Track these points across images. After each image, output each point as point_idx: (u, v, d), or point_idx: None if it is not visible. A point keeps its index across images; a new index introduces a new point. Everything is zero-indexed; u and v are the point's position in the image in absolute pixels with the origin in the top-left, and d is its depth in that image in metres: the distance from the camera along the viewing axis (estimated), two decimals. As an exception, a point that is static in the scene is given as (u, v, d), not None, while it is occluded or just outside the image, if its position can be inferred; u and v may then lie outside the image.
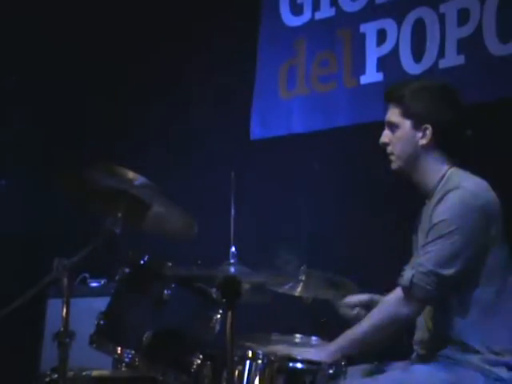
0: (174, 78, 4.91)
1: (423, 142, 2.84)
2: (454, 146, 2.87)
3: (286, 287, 3.11)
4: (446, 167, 2.85)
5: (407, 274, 2.69)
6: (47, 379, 3.12)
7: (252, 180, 4.18)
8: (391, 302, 2.74)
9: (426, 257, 2.68)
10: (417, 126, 2.84)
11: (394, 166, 2.91)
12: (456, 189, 2.71)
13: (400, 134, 2.87)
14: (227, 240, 2.67)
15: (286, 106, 4.61)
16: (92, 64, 5.11)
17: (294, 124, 4.57)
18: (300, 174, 4.36)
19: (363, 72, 4.35)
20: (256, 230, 4.16)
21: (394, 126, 2.88)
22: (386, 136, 2.92)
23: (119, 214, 2.91)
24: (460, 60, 4.00)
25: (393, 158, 2.90)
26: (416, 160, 2.86)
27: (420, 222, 2.93)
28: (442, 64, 4.06)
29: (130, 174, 2.87)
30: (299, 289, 3.14)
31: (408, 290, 2.67)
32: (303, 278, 3.13)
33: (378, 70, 4.30)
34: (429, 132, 2.83)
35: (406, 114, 2.85)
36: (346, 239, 4.15)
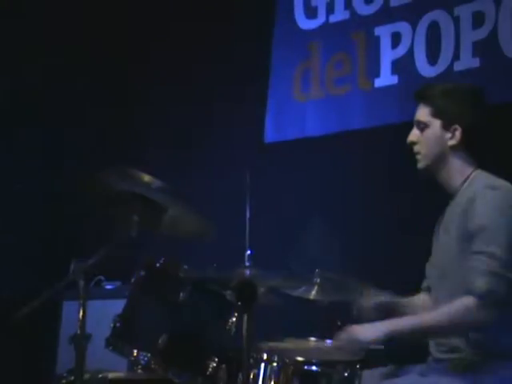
0: (190, 81, 4.91)
1: (452, 142, 2.84)
2: (480, 149, 2.88)
3: (301, 290, 3.11)
4: (470, 169, 2.86)
5: (478, 280, 2.62)
6: (63, 381, 3.15)
7: (267, 183, 4.17)
8: (463, 305, 2.64)
9: (489, 261, 2.64)
10: (446, 126, 2.84)
11: (420, 165, 2.89)
12: (493, 189, 2.72)
13: (429, 134, 2.86)
14: (243, 243, 2.67)
15: (300, 109, 4.61)
16: (107, 65, 5.12)
17: (308, 127, 4.57)
18: (314, 177, 4.36)
19: (378, 75, 4.34)
20: (271, 233, 4.15)
21: (423, 125, 2.87)
22: (414, 135, 2.90)
23: (135, 217, 2.91)
24: (475, 63, 4.00)
25: (420, 157, 2.89)
26: (443, 160, 2.86)
27: (443, 221, 2.92)
28: (457, 67, 4.06)
29: (146, 178, 2.87)
30: (314, 292, 3.14)
31: (483, 297, 2.61)
32: (318, 281, 3.12)
33: (392, 73, 4.29)
34: (458, 133, 2.83)
35: (436, 114, 2.85)
36: (361, 241, 4.14)
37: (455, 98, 2.87)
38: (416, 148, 2.89)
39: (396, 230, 4.06)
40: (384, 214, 4.10)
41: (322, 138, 4.49)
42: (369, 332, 2.69)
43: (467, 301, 2.62)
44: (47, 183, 4.81)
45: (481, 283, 2.61)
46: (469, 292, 2.62)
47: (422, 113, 2.88)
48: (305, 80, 4.62)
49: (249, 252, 2.64)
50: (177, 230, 3.08)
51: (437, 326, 2.68)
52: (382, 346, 2.86)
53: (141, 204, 2.92)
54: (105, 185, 2.94)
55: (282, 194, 4.41)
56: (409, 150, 2.92)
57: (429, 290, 3.00)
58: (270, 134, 4.70)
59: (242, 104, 4.73)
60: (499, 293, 2.60)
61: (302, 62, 4.64)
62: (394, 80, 4.29)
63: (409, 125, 2.96)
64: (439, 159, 2.86)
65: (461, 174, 2.85)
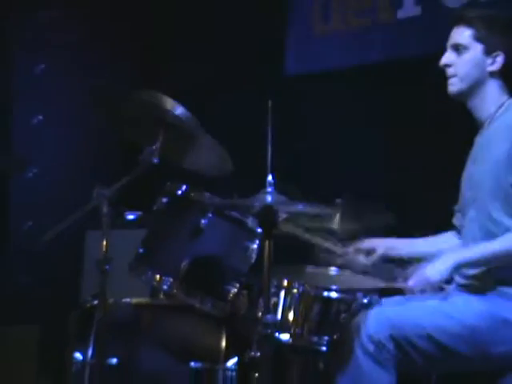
0: (213, 20, 4.85)
1: (492, 68, 2.80)
2: None
3: (323, 220, 3.10)
4: (505, 97, 2.84)
5: None
6: (88, 305, 3.19)
7: (287, 114, 4.14)
8: None
9: None
10: (489, 51, 2.80)
11: (454, 88, 2.84)
12: None
13: (469, 57, 2.81)
14: (264, 171, 2.65)
15: (320, 42, 4.55)
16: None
17: (328, 60, 4.51)
18: (334, 109, 4.32)
19: (400, 6, 4.25)
20: (292, 162, 4.14)
21: (462, 48, 2.82)
22: (448, 57, 2.84)
23: (157, 144, 2.90)
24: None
25: (455, 80, 2.83)
26: (479, 85, 2.82)
27: (472, 152, 2.90)
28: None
29: (169, 103, 2.85)
30: (335, 221, 3.14)
31: None
32: (339, 211, 3.11)
33: (416, 4, 4.19)
34: (500, 59, 2.79)
35: (479, 38, 2.80)
36: (384, 172, 4.11)
37: (500, 24, 2.82)
38: (450, 71, 2.83)
39: (418, 165, 4.02)
40: (405, 143, 4.06)
41: (342, 70, 4.43)
42: (437, 271, 2.67)
43: None
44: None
45: None
46: None
47: (462, 35, 2.82)
48: (325, 12, 4.54)
49: (270, 177, 2.61)
50: (198, 159, 3.07)
51: (503, 253, 2.68)
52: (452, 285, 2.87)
53: (163, 130, 2.91)
54: (126, 109, 2.91)
55: (301, 125, 4.38)
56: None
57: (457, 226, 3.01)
58: (291, 67, 4.64)
59: (262, 37, 4.67)
60: None
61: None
62: (418, 11, 4.19)
63: (430, 58, 2.91)
64: (476, 84, 2.82)
65: (496, 100, 2.82)
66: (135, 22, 5.03)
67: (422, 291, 2.72)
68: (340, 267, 3.06)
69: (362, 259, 3.06)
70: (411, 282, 2.71)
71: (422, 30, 4.14)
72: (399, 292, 2.83)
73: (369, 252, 3.06)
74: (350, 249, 3.07)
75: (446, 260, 2.70)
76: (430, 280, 2.68)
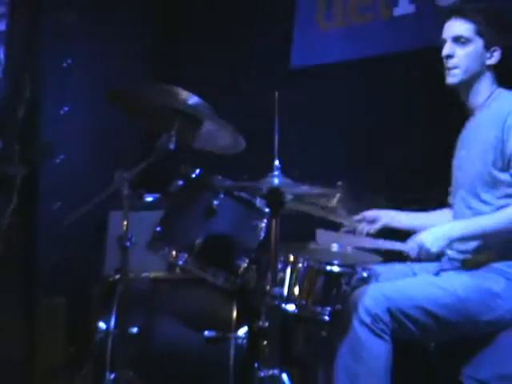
0: (231, 22, 4.83)
1: (490, 62, 2.80)
2: (506, 70, 2.84)
3: (324, 201, 3.08)
4: (495, 86, 2.83)
5: None
6: (110, 279, 3.19)
7: (293, 103, 4.11)
8: None
9: None
10: (488, 46, 2.79)
11: (455, 79, 2.82)
12: None
13: (471, 50, 2.79)
14: (271, 155, 2.64)
15: (324, 37, 4.49)
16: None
17: (331, 53, 4.46)
18: (336, 99, 4.28)
19: (396, 4, 4.20)
20: (297, 148, 4.12)
21: (465, 41, 2.79)
22: (451, 48, 2.81)
23: (173, 132, 2.88)
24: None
25: (456, 71, 2.81)
26: (477, 77, 2.81)
27: (461, 137, 2.91)
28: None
29: (184, 94, 2.83)
30: (335, 202, 3.11)
31: None
32: (339, 193, 3.09)
33: (410, 2, 4.14)
34: (497, 54, 2.79)
35: (479, 32, 2.78)
36: (383, 160, 4.08)
37: (498, 20, 2.81)
38: (453, 62, 2.81)
39: (415, 154, 3.98)
40: (403, 131, 4.02)
41: (344, 63, 4.38)
42: (435, 239, 2.66)
43: None
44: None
45: None
46: None
47: (465, 29, 2.79)
48: (329, 9, 4.48)
49: (277, 162, 2.60)
50: (212, 144, 3.06)
51: (497, 228, 2.65)
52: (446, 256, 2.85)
53: (179, 119, 2.89)
54: (144, 100, 2.90)
55: (306, 113, 4.35)
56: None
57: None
58: (296, 60, 4.59)
59: (271, 33, 4.64)
60: None
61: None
62: (412, 9, 4.14)
63: (423, 51, 2.88)
64: (475, 75, 2.81)
65: (487, 91, 2.82)
66: (151, 20, 5.02)
67: (419, 257, 2.69)
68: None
69: (364, 226, 3.03)
70: (409, 247, 2.69)
71: (417, 27, 4.09)
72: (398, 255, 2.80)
73: (371, 221, 3.04)
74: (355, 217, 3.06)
75: (444, 230, 2.68)
76: (427, 247, 2.65)
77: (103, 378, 2.89)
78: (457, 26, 2.80)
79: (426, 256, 2.68)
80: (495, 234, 2.67)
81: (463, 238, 2.72)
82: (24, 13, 4.56)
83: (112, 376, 2.85)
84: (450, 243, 2.68)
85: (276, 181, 2.59)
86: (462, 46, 2.78)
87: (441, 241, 2.65)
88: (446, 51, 2.81)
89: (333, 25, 4.47)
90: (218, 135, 3.00)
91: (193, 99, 2.82)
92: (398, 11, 4.20)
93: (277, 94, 2.69)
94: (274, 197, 2.63)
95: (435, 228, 2.69)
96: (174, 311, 3.08)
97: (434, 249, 2.65)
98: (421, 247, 2.66)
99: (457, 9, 2.88)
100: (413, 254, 2.68)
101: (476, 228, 2.69)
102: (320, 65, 4.49)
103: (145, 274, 3.18)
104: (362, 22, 4.35)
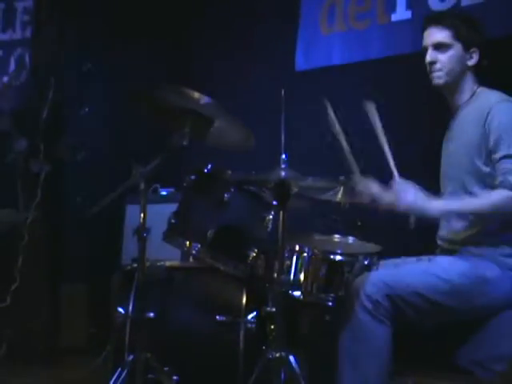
0: (247, 30, 4.80)
1: (471, 62, 2.78)
2: (485, 69, 2.81)
3: (329, 193, 3.03)
4: (476, 86, 2.82)
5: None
6: (128, 267, 3.18)
7: (297, 103, 4.08)
8: (504, 195, 2.56)
9: None
10: (466, 48, 2.77)
11: (440, 81, 2.80)
12: (508, 101, 2.69)
13: (452, 54, 2.77)
14: (278, 150, 2.61)
15: (326, 41, 4.46)
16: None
17: (333, 57, 4.43)
18: (338, 98, 4.24)
19: (394, 10, 4.16)
20: (302, 144, 4.08)
21: (445, 47, 2.77)
22: (433, 55, 2.79)
23: (186, 129, 2.85)
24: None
25: (441, 74, 2.79)
26: (459, 78, 2.79)
27: (448, 134, 2.88)
28: (465, 2, 3.84)
29: (196, 95, 2.80)
30: (339, 195, 3.07)
31: None
32: (342, 186, 3.04)
33: (407, 9, 4.11)
34: (476, 55, 2.78)
35: (457, 37, 2.76)
36: (383, 160, 4.03)
37: (473, 24, 2.80)
38: (436, 67, 2.79)
39: (413, 154, 3.92)
40: (400, 127, 3.98)
41: (345, 66, 4.36)
42: (428, 205, 2.60)
43: (506, 193, 2.56)
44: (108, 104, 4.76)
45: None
46: (505, 188, 2.56)
47: (443, 35, 2.77)
48: (330, 16, 4.45)
49: (284, 156, 2.57)
50: (223, 140, 3.02)
51: (480, 209, 2.61)
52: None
53: (191, 117, 2.86)
54: (159, 101, 2.87)
55: (310, 113, 4.30)
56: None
57: None
58: (301, 63, 4.57)
59: (277, 38, 4.62)
60: None
61: (328, 0, 4.46)
62: (408, 15, 4.10)
63: (420, 54, 2.85)
64: (458, 77, 2.79)
65: (470, 90, 2.81)
66: (165, 28, 4.99)
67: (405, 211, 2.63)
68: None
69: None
70: (397, 202, 2.64)
71: (413, 31, 4.05)
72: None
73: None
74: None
75: (435, 203, 2.62)
76: (421, 207, 2.60)
77: (122, 359, 2.87)
78: (436, 34, 2.78)
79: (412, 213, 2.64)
80: (480, 215, 2.63)
81: (452, 214, 2.68)
82: (47, 21, 4.56)
83: (130, 357, 2.82)
84: (439, 216, 2.64)
85: (283, 174, 2.57)
86: (442, 52, 2.77)
87: (433, 209, 2.60)
88: (428, 59, 2.80)
89: (334, 30, 4.43)
90: (228, 132, 2.97)
91: (204, 99, 2.80)
92: (395, 17, 4.17)
93: (283, 92, 2.65)
94: (281, 190, 2.60)
95: (423, 196, 2.64)
96: (187, 297, 3.06)
97: (429, 212, 2.60)
98: (412, 205, 2.61)
99: (434, 17, 2.90)
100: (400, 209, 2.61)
101: (462, 206, 2.64)
102: (322, 67, 4.45)
103: (160, 263, 3.15)
104: (361, 27, 4.31)
